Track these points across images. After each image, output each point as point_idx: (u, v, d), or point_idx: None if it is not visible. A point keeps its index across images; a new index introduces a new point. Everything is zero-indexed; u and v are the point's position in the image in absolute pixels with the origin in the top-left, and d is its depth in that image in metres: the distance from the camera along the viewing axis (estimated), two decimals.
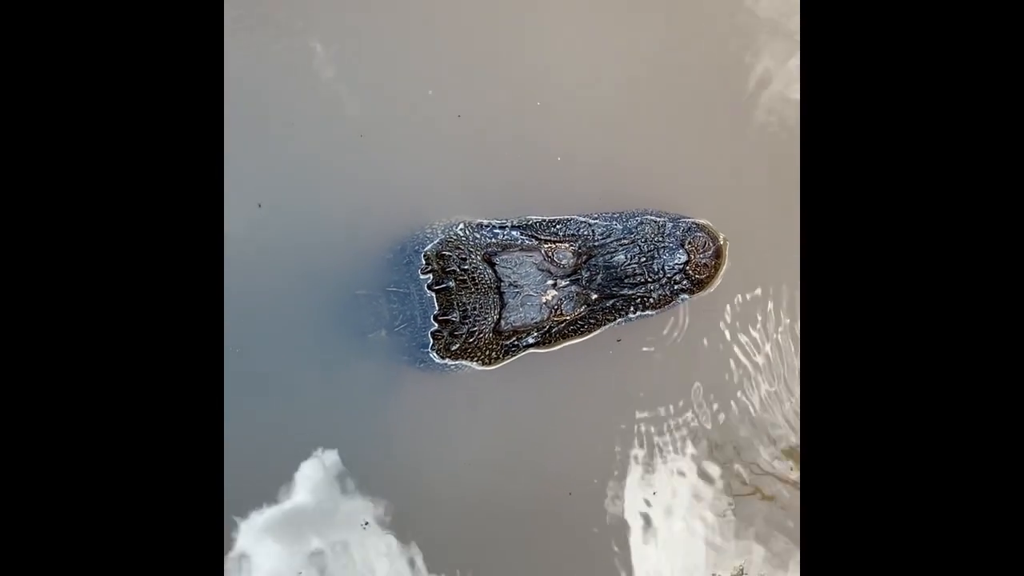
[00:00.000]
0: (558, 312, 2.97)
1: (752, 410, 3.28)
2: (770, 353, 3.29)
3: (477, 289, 2.97)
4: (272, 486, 3.17)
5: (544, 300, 2.97)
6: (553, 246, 3.00)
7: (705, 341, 3.29)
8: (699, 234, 2.96)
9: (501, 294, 2.97)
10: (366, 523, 3.16)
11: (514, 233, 3.05)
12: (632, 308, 3.03)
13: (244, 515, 3.15)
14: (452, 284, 2.95)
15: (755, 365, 3.29)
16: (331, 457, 3.18)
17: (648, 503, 3.25)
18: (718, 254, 2.98)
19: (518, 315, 2.98)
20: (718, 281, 3.04)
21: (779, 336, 3.28)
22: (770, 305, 3.29)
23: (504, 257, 2.99)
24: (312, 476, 3.17)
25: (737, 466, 3.27)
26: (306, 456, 3.18)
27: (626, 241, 2.99)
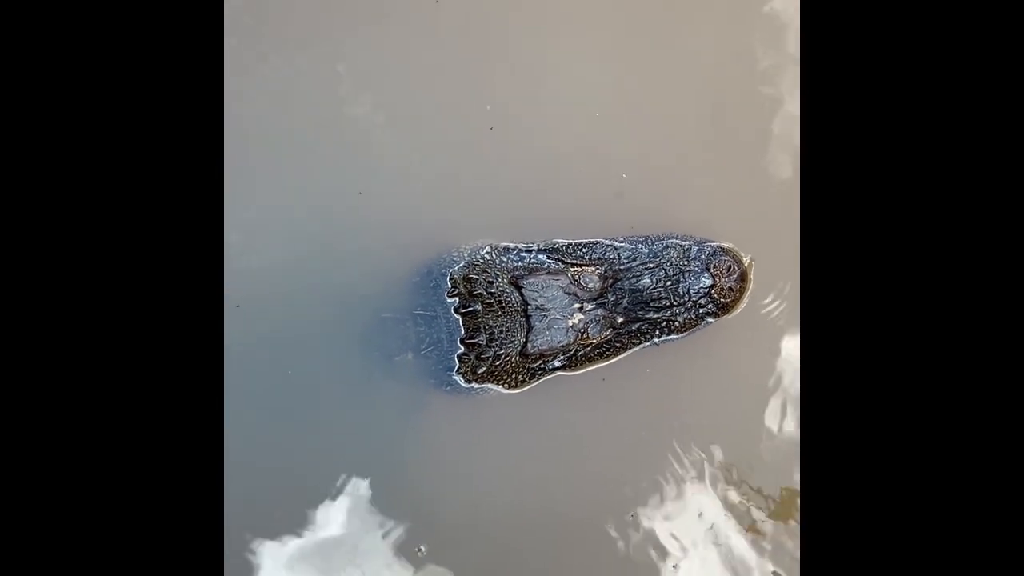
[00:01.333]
0: (584, 335, 2.98)
1: (780, 436, 3.27)
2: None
3: (504, 312, 2.98)
4: (297, 510, 3.16)
5: (570, 323, 2.98)
6: (579, 270, 3.01)
7: (732, 364, 3.29)
8: (724, 258, 2.97)
9: (528, 317, 2.98)
10: (420, 549, 3.14)
11: (540, 256, 3.07)
12: (657, 332, 3.03)
13: (270, 540, 3.14)
14: (479, 307, 2.97)
15: (781, 389, 3.28)
16: (356, 480, 3.18)
17: (680, 527, 3.23)
18: (743, 277, 2.99)
19: (544, 338, 2.99)
20: (743, 304, 3.05)
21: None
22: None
23: (531, 280, 3.00)
24: (337, 500, 3.16)
25: (767, 494, 3.25)
26: (331, 480, 3.17)
27: (652, 265, 3.01)
